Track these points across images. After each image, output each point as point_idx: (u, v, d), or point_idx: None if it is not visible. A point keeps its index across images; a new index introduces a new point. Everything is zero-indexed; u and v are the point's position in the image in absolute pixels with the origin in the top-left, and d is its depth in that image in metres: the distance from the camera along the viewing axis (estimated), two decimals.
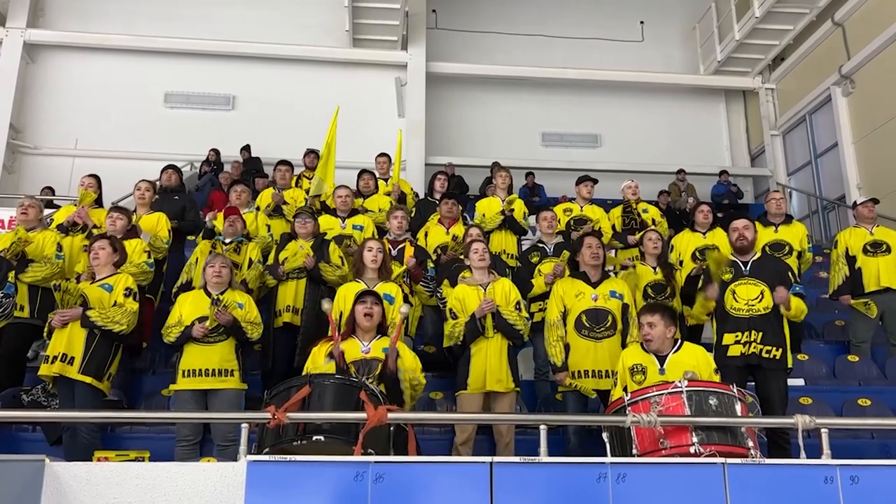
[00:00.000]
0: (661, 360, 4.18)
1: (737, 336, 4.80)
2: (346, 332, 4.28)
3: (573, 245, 5.81)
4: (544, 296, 5.76)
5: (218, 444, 4.65)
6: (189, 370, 4.72)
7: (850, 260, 6.52)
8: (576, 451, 4.57)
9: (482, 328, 4.81)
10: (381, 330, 4.34)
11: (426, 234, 6.75)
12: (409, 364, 4.22)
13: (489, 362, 4.79)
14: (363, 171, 8.04)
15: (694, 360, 4.20)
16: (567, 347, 4.95)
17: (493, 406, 4.84)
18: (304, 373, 4.21)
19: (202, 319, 4.72)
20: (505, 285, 5.10)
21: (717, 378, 4.06)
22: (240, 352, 4.81)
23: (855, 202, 6.99)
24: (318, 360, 4.14)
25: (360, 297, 4.35)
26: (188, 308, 4.83)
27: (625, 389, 4.11)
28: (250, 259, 5.88)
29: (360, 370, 4.07)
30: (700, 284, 5.19)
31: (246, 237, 6.11)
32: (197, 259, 5.84)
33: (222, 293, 4.89)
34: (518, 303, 5.04)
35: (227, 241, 5.96)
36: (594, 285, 5.08)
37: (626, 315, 4.97)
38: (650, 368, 4.17)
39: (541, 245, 6.25)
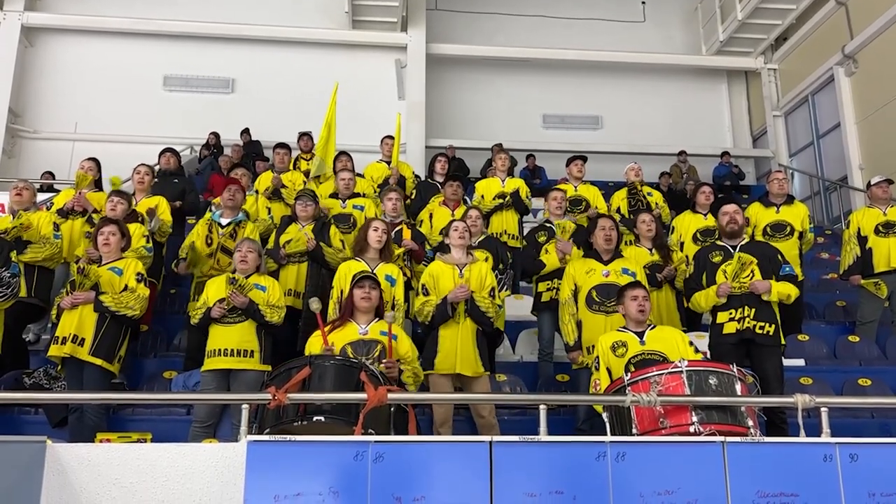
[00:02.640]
0: (640, 335, 4.28)
1: (731, 313, 4.83)
2: (344, 314, 4.28)
3: (587, 227, 5.81)
4: (552, 275, 5.78)
5: (233, 423, 4.67)
6: (212, 350, 4.76)
7: (862, 240, 6.49)
8: (585, 432, 4.59)
9: (452, 312, 4.73)
10: (379, 312, 4.34)
11: (431, 216, 6.73)
12: (406, 351, 4.22)
13: (459, 346, 4.71)
14: (341, 153, 7.99)
15: (671, 335, 4.30)
16: (579, 325, 4.99)
17: (466, 388, 4.79)
18: None
19: (224, 301, 4.74)
20: (482, 269, 5.03)
21: (691, 350, 4.18)
22: (262, 333, 4.79)
23: (869, 182, 6.93)
24: (314, 349, 4.12)
25: (357, 282, 4.35)
26: (214, 291, 4.85)
27: (608, 370, 4.16)
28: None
29: (358, 351, 4.08)
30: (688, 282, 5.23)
31: (245, 214, 6.10)
32: (193, 243, 5.80)
33: (248, 277, 4.90)
34: (492, 289, 4.95)
35: (225, 222, 5.92)
36: (606, 263, 5.14)
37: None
38: (631, 342, 4.24)
39: (548, 225, 6.24)
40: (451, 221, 5.31)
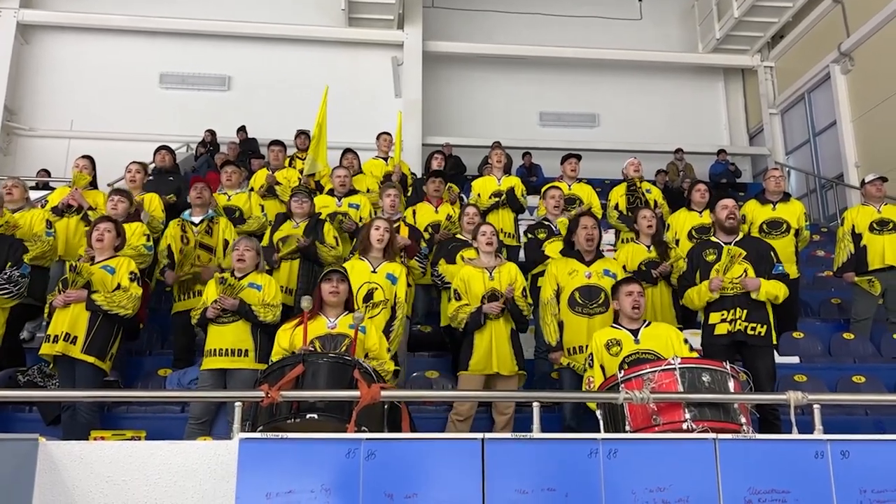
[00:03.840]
0: (634, 333, 4.27)
1: (723, 314, 4.82)
2: (314, 309, 4.26)
3: (569, 226, 5.80)
4: None
5: (229, 420, 4.65)
6: (209, 350, 4.76)
7: (856, 238, 6.49)
8: (573, 428, 4.60)
9: (485, 320, 4.83)
10: (348, 306, 4.35)
11: (414, 213, 6.74)
12: (373, 345, 4.19)
13: (495, 346, 4.80)
14: (346, 151, 7.98)
15: (665, 333, 4.29)
16: (561, 325, 4.97)
17: (496, 388, 4.84)
18: (272, 358, 4.18)
19: (216, 301, 4.72)
20: (511, 270, 5.11)
21: (686, 348, 4.17)
22: (257, 332, 4.77)
23: (863, 180, 6.93)
24: (282, 342, 4.14)
25: (325, 276, 4.37)
26: (212, 291, 4.85)
27: (602, 368, 4.16)
28: (225, 240, 5.84)
29: (326, 345, 4.08)
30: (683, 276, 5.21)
31: (216, 211, 6.11)
32: (169, 246, 5.78)
33: (244, 276, 4.88)
34: (524, 288, 5.06)
35: (197, 220, 5.91)
36: (588, 263, 5.10)
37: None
38: (625, 341, 4.23)
39: (546, 223, 6.25)
40: (479, 226, 5.35)
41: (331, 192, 6.81)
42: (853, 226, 6.53)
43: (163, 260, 5.79)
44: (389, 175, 7.79)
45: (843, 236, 6.57)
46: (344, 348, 4.04)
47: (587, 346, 4.52)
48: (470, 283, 4.99)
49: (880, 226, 6.44)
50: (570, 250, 5.32)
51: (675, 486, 2.89)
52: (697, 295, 4.96)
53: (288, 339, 4.12)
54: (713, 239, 5.22)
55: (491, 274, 5.03)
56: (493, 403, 4.94)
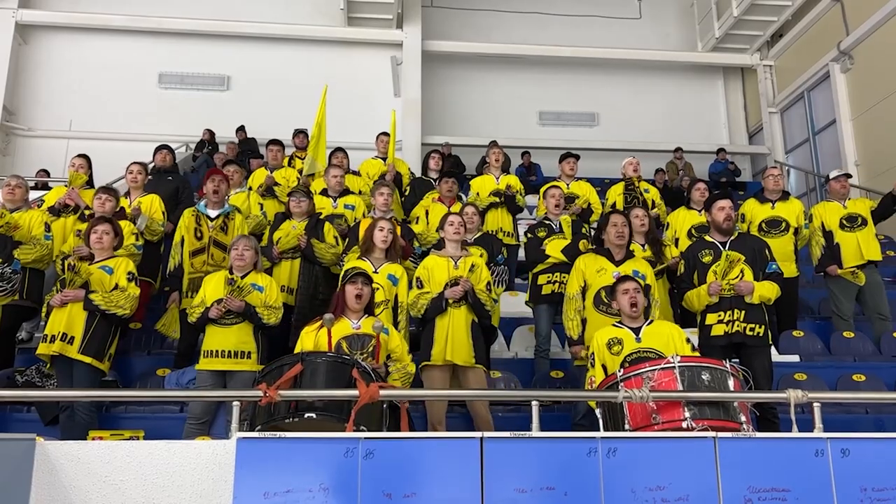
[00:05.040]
0: (636, 332, 4.26)
1: (719, 315, 4.81)
2: (336, 310, 4.27)
3: (598, 223, 5.78)
4: (553, 268, 5.77)
5: (227, 420, 4.63)
6: (208, 351, 4.72)
7: (827, 235, 6.53)
8: (585, 428, 4.57)
9: (446, 306, 4.76)
10: (369, 309, 4.35)
11: (427, 213, 6.71)
12: (396, 346, 4.23)
13: (452, 334, 4.71)
14: (337, 150, 7.97)
15: (667, 331, 4.28)
16: (584, 322, 4.96)
17: (462, 382, 4.77)
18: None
19: (222, 301, 4.69)
20: (477, 263, 5.05)
21: (688, 347, 4.16)
22: (259, 334, 4.76)
23: (827, 176, 6.97)
24: (306, 344, 4.13)
25: (350, 278, 4.35)
26: (211, 289, 4.81)
27: (603, 367, 4.15)
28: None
29: (353, 345, 4.08)
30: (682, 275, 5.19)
31: (233, 207, 6.08)
32: (182, 238, 5.74)
33: (245, 276, 4.87)
34: (488, 283, 5.01)
35: (213, 215, 5.87)
36: (617, 263, 5.07)
37: (646, 295, 4.82)
38: (626, 339, 4.22)
39: (547, 222, 6.24)
40: (446, 216, 5.30)
41: (324, 192, 6.77)
42: (822, 223, 6.57)
43: (175, 255, 5.73)
44: (384, 175, 7.77)
45: (815, 232, 6.60)
46: (371, 349, 4.06)
47: None
48: (433, 272, 4.93)
49: (850, 222, 6.48)
50: (600, 248, 5.27)
51: (674, 485, 2.88)
52: (697, 299, 4.95)
53: (313, 341, 4.11)
54: (708, 238, 5.21)
55: (456, 263, 4.97)
56: (468, 401, 4.86)
